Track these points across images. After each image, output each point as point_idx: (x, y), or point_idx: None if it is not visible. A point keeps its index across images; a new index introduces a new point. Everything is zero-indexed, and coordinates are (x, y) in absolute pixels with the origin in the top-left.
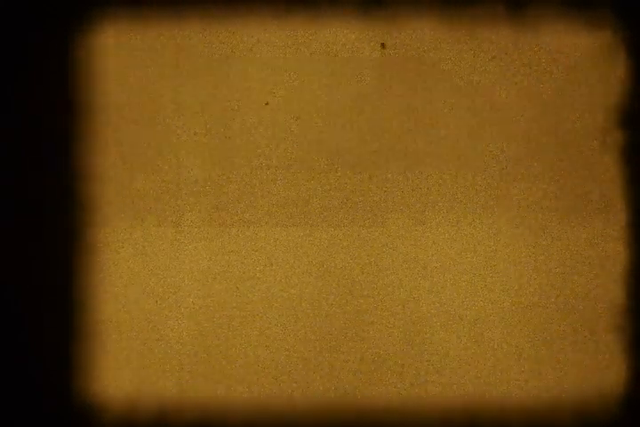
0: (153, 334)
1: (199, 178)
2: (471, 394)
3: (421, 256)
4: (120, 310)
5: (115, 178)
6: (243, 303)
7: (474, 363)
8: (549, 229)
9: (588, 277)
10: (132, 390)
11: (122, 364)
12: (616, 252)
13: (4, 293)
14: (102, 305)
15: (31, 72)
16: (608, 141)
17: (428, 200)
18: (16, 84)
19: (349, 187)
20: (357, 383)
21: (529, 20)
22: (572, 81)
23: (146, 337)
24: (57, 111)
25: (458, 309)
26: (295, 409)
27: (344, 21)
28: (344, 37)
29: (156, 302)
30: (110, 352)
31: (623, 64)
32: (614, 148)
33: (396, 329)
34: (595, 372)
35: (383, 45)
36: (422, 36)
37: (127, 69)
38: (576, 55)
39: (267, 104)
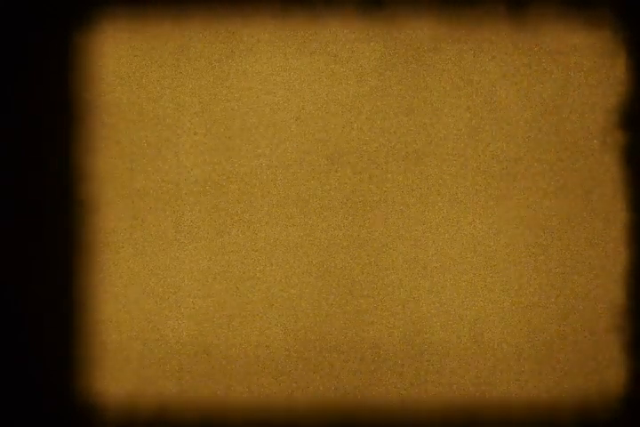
0: (153, 334)
1: (199, 178)
2: (471, 394)
3: (421, 256)
4: (120, 310)
5: (115, 178)
6: (243, 303)
7: (474, 363)
8: (549, 229)
9: (588, 277)
10: (132, 390)
11: (122, 364)
12: (616, 252)
13: (4, 293)
14: (102, 305)
15: (31, 72)
16: (608, 141)
17: (428, 200)
18: (16, 84)
19: (349, 187)
20: (357, 383)
21: (529, 20)
22: (572, 81)
23: (146, 337)
24: (57, 111)
25: (458, 309)
26: (295, 409)
27: (344, 21)
28: (344, 37)
29: (155, 302)
30: (110, 352)
31: (623, 64)
32: (614, 148)
33: (396, 329)
34: (595, 372)
35: None
36: (422, 36)
37: (127, 69)
38: (576, 55)
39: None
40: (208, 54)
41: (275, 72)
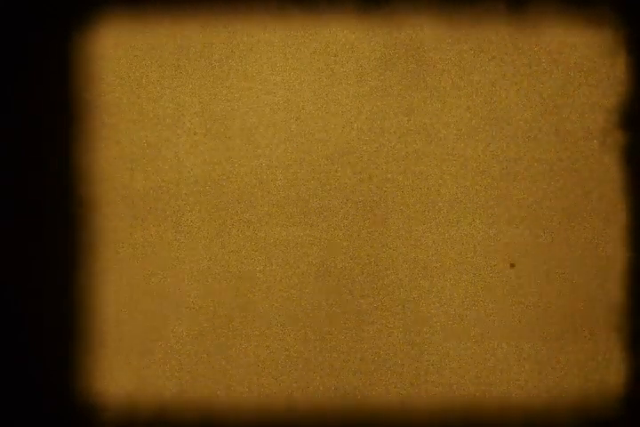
0: (153, 334)
1: (199, 178)
2: (471, 394)
3: (421, 256)
4: (120, 310)
5: (115, 178)
6: (243, 303)
7: (474, 363)
8: (549, 229)
9: (588, 277)
10: (132, 390)
11: (122, 364)
12: (616, 252)
13: (4, 293)
14: (102, 305)
15: (31, 72)
16: (608, 141)
17: (428, 200)
18: (16, 84)
19: (349, 187)
20: (357, 383)
21: (529, 20)
22: (572, 81)
23: (146, 337)
24: (57, 111)
25: (458, 309)
26: (295, 409)
27: (344, 21)
28: (344, 37)
29: (155, 302)
30: (110, 352)
31: (623, 64)
32: (614, 148)
33: (396, 329)
34: (595, 372)
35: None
36: (422, 36)
37: (127, 69)
38: (576, 55)
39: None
40: (208, 54)
41: (275, 72)
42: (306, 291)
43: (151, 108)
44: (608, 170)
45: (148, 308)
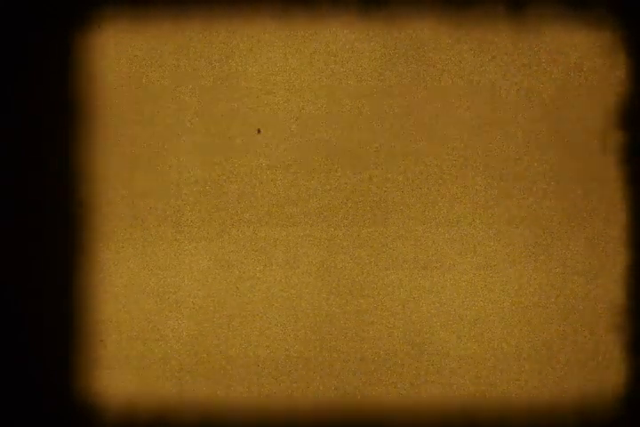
0: (153, 334)
1: (199, 178)
2: (471, 394)
3: (421, 256)
4: (120, 310)
5: (115, 178)
6: (243, 303)
7: (474, 363)
8: (549, 229)
9: (588, 277)
10: (132, 390)
11: (122, 364)
12: (616, 252)
13: (4, 293)
14: (102, 305)
15: (31, 72)
16: (608, 142)
17: (428, 200)
18: (16, 84)
19: (349, 187)
20: (357, 383)
21: (529, 20)
22: (572, 81)
23: (146, 337)
24: (57, 111)
25: (458, 309)
26: (295, 409)
27: (344, 21)
28: (344, 37)
29: (155, 302)
30: (110, 352)
31: (623, 64)
32: (614, 148)
33: (396, 329)
34: (595, 372)
35: (259, 131)
36: (422, 36)
37: (127, 69)
38: (576, 55)
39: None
40: (208, 54)
41: (275, 72)
42: (306, 291)
43: (151, 108)
44: (608, 170)
45: (148, 308)
